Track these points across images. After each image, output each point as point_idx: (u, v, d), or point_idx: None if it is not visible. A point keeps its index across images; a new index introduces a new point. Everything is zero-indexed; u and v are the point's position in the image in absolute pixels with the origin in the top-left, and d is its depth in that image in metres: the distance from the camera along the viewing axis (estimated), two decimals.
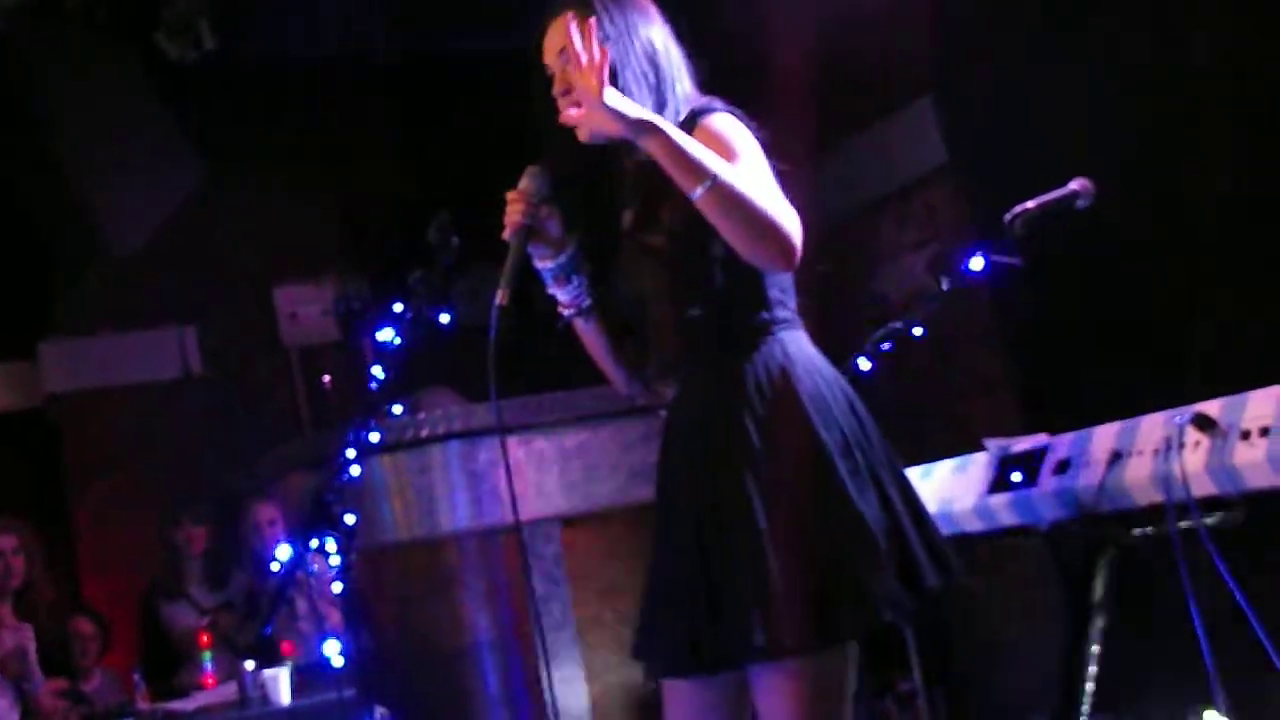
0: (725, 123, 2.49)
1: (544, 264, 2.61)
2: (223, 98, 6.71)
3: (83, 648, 5.41)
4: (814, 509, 2.35)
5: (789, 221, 2.35)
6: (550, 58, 2.58)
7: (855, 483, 2.39)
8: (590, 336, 2.70)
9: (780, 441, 2.40)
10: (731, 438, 2.43)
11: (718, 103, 2.55)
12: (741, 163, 2.40)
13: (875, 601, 2.32)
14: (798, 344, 2.52)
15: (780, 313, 2.52)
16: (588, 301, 2.65)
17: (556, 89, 2.56)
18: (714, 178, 2.32)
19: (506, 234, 2.53)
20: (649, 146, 2.38)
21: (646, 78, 2.53)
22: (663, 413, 2.69)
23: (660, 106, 2.52)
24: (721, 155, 2.38)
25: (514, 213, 2.53)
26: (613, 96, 2.35)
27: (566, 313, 2.66)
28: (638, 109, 2.38)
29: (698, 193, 2.33)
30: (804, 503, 2.35)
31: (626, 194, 2.62)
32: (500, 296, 2.48)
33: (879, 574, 2.33)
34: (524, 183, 2.55)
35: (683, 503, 2.51)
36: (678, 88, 2.56)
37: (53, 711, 4.58)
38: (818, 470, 2.38)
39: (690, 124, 2.49)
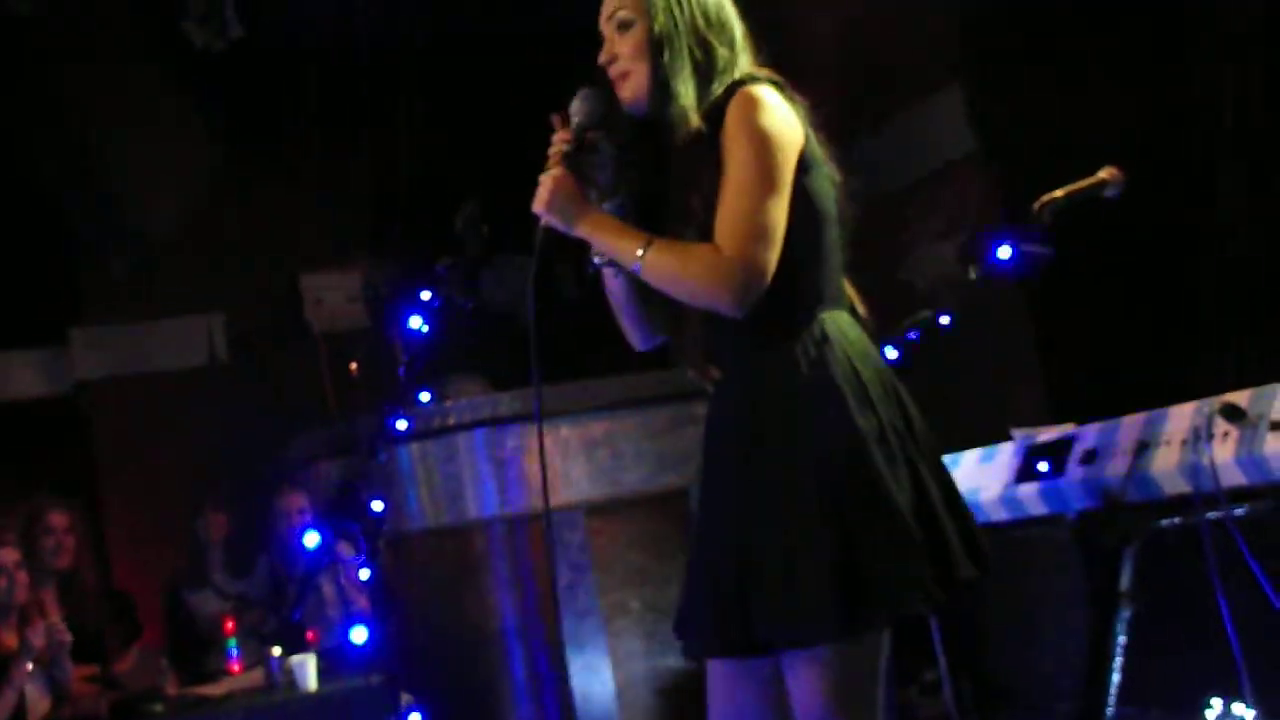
0: (745, 114, 2.41)
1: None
2: (249, 84, 6.73)
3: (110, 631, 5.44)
4: (848, 496, 2.33)
5: (720, 280, 2.36)
6: (602, 22, 2.55)
7: (890, 470, 2.36)
8: (617, 288, 2.63)
9: (815, 427, 2.38)
10: (768, 424, 2.41)
11: (761, 73, 2.50)
12: (730, 182, 2.38)
13: (906, 590, 2.31)
14: (836, 326, 2.47)
15: (819, 295, 2.48)
16: None
17: (602, 57, 2.53)
18: (639, 259, 2.40)
19: (551, 164, 2.49)
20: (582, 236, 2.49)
21: (693, 54, 2.49)
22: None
23: (705, 86, 2.48)
24: (739, 165, 2.38)
25: (559, 141, 2.50)
26: (546, 205, 2.47)
27: (598, 259, 2.57)
28: (568, 212, 2.47)
29: (635, 269, 2.42)
30: (838, 489, 2.34)
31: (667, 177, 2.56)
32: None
33: (911, 563, 2.31)
34: (573, 105, 2.51)
35: (720, 487, 2.49)
36: (735, 69, 2.50)
37: (82, 696, 4.61)
38: (852, 457, 2.36)
39: (729, 93, 2.45)
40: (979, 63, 5.38)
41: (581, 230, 2.47)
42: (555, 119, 2.53)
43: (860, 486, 2.34)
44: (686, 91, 2.47)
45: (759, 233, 2.35)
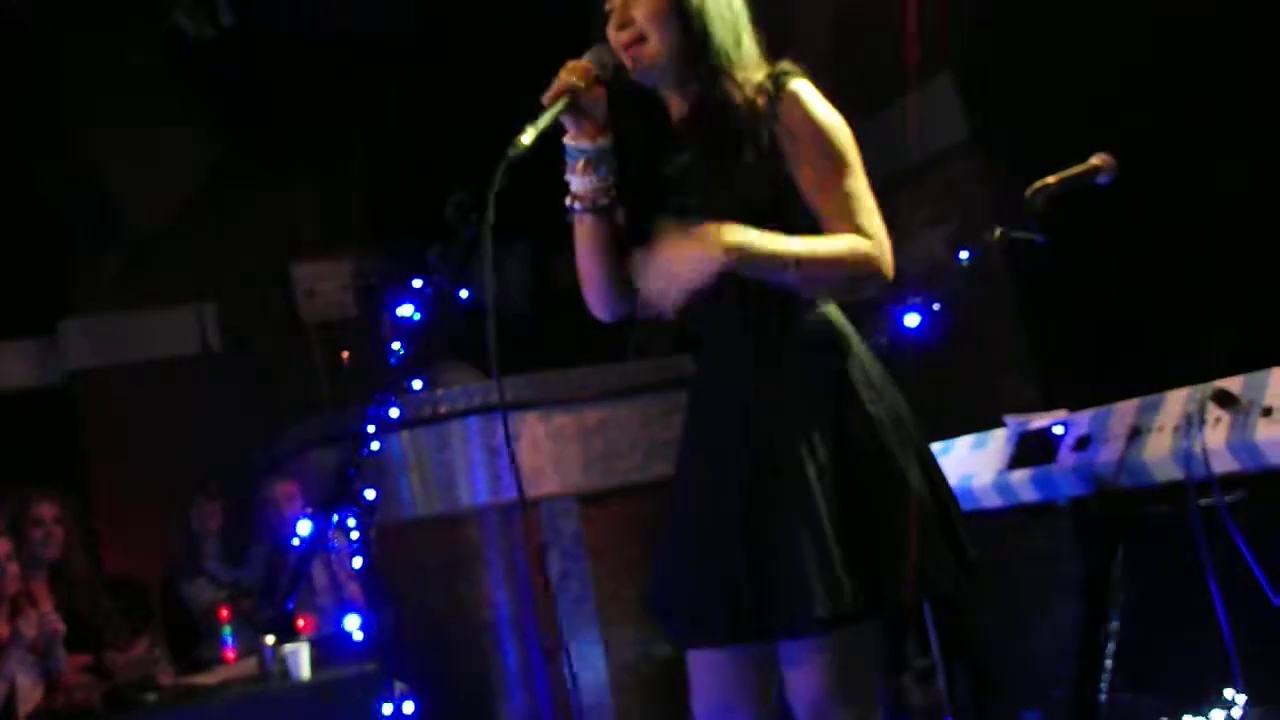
0: (819, 105, 2.43)
1: (578, 143, 2.48)
2: (240, 74, 6.72)
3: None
4: (862, 482, 2.35)
5: (870, 257, 2.36)
6: None
7: (903, 455, 2.39)
8: (590, 239, 2.56)
9: (830, 413, 2.39)
10: (781, 411, 2.41)
11: (788, 66, 2.49)
12: (833, 168, 2.42)
13: (932, 574, 2.33)
14: (839, 316, 2.51)
15: None
16: (605, 200, 2.52)
17: (615, 21, 2.47)
18: (795, 262, 2.31)
19: (548, 96, 2.40)
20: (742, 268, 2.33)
21: (738, 38, 2.50)
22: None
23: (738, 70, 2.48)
24: (826, 156, 2.41)
25: (566, 76, 2.42)
26: (731, 236, 2.30)
27: (579, 205, 2.52)
28: (745, 240, 2.31)
29: (787, 276, 2.33)
30: (852, 475, 2.35)
31: (676, 154, 2.54)
32: (527, 135, 2.32)
33: (932, 546, 2.34)
34: (587, 55, 2.46)
35: (721, 471, 2.46)
36: (756, 53, 2.52)
37: (76, 686, 4.60)
38: (867, 442, 2.38)
39: (777, 86, 2.44)
40: (971, 50, 5.38)
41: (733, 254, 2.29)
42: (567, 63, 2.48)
43: (875, 473, 2.37)
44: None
45: (877, 212, 2.44)
